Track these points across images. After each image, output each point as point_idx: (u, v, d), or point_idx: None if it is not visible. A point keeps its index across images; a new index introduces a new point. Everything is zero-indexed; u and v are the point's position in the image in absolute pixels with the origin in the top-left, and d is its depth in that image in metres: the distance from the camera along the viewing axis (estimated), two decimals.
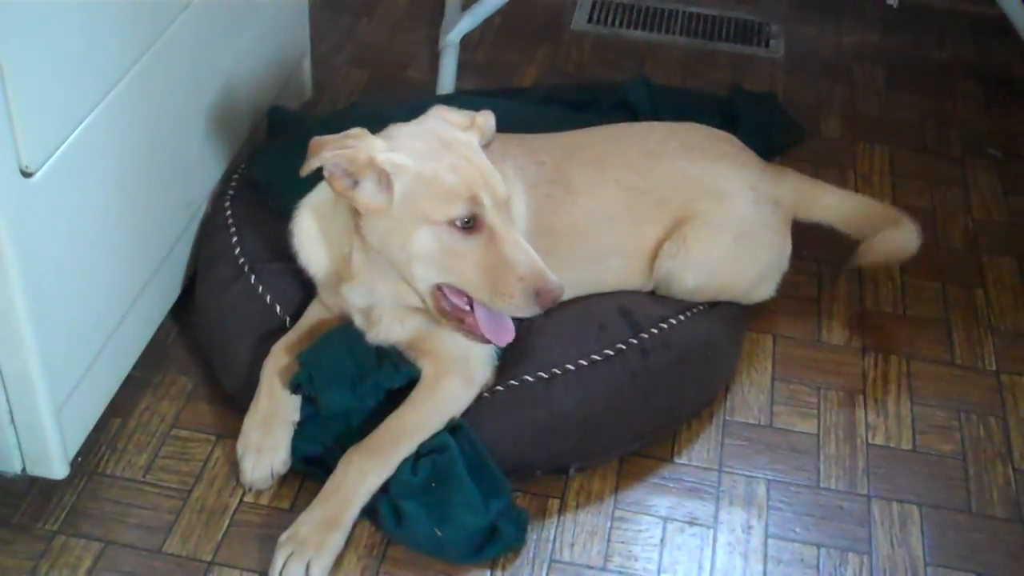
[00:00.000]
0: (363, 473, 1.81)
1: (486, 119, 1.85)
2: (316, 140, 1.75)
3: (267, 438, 1.90)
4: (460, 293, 1.77)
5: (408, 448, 1.84)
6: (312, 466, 1.91)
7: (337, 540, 1.79)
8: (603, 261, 2.09)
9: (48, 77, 1.59)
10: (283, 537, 1.79)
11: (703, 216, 2.08)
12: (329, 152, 1.70)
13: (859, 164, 2.78)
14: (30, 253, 1.61)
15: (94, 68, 1.73)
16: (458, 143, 1.77)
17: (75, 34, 1.65)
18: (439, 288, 1.78)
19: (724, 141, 2.23)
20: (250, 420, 1.92)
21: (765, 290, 2.20)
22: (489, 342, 1.81)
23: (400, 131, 1.80)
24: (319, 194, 1.91)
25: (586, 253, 2.07)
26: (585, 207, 2.05)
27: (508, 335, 1.82)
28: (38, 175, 1.60)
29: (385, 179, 1.71)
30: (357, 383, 1.89)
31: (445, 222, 1.70)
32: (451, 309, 1.79)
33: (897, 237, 2.21)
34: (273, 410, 1.91)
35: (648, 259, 2.10)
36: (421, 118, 1.84)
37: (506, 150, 1.99)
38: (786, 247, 2.21)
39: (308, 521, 1.79)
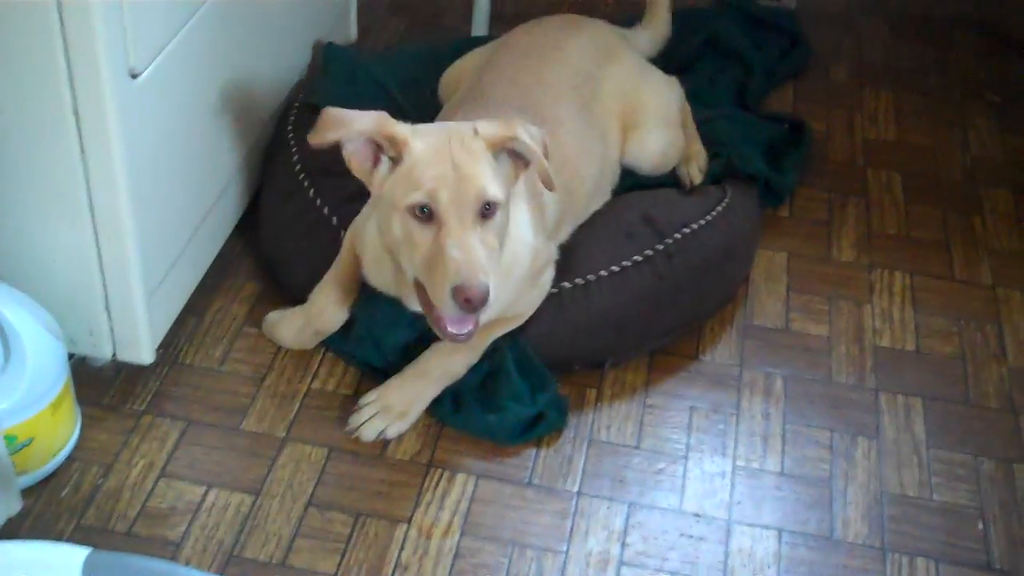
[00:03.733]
0: (452, 356, 2.01)
1: (506, 128, 1.80)
2: (334, 113, 1.80)
3: (301, 338, 2.15)
4: None
5: (494, 336, 2.04)
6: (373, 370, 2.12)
7: (417, 412, 2.02)
8: (602, 164, 2.27)
9: None
10: (369, 398, 2.01)
11: (645, 114, 2.32)
12: (361, 126, 1.77)
13: (866, 106, 2.98)
14: (132, 148, 1.80)
15: None
16: (459, 144, 1.77)
17: None
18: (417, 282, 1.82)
19: (612, 36, 2.41)
20: (289, 321, 2.15)
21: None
22: (451, 336, 1.81)
23: (421, 127, 1.83)
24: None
25: (592, 168, 2.22)
26: (569, 130, 2.16)
27: (465, 328, 1.80)
28: (143, 76, 1.79)
29: (400, 160, 1.79)
30: (414, 320, 2.00)
31: (405, 208, 1.76)
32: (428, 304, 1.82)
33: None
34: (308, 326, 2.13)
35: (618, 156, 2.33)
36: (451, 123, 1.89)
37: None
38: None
39: (396, 390, 2.01)
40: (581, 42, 2.31)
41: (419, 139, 1.79)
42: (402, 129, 1.79)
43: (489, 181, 1.76)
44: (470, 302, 1.70)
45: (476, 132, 1.80)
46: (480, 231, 1.75)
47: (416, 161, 1.77)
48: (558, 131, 2.12)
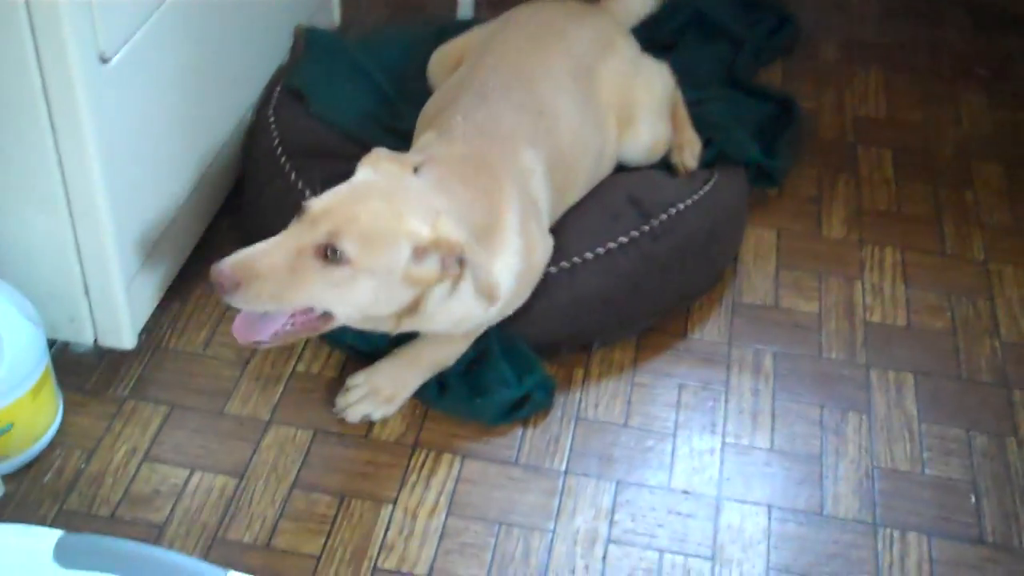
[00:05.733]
0: (444, 348, 2.01)
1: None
2: None
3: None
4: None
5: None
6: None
7: (404, 397, 2.00)
8: (599, 159, 2.23)
9: None
10: (357, 379, 2.00)
11: (639, 107, 2.29)
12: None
13: (856, 84, 2.95)
14: (105, 134, 1.78)
15: None
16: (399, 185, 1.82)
17: None
18: None
19: (611, 25, 2.37)
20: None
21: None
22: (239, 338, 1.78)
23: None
24: None
25: (587, 162, 2.19)
26: (568, 123, 2.13)
27: (247, 336, 1.76)
28: (113, 61, 1.77)
29: None
30: None
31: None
32: None
33: None
34: None
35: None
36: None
37: (513, 123, 2.04)
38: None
39: (384, 375, 1.99)
40: (584, 31, 2.27)
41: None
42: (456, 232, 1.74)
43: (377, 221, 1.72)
44: (219, 287, 1.66)
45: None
46: (318, 269, 1.68)
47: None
48: (558, 123, 2.09)
